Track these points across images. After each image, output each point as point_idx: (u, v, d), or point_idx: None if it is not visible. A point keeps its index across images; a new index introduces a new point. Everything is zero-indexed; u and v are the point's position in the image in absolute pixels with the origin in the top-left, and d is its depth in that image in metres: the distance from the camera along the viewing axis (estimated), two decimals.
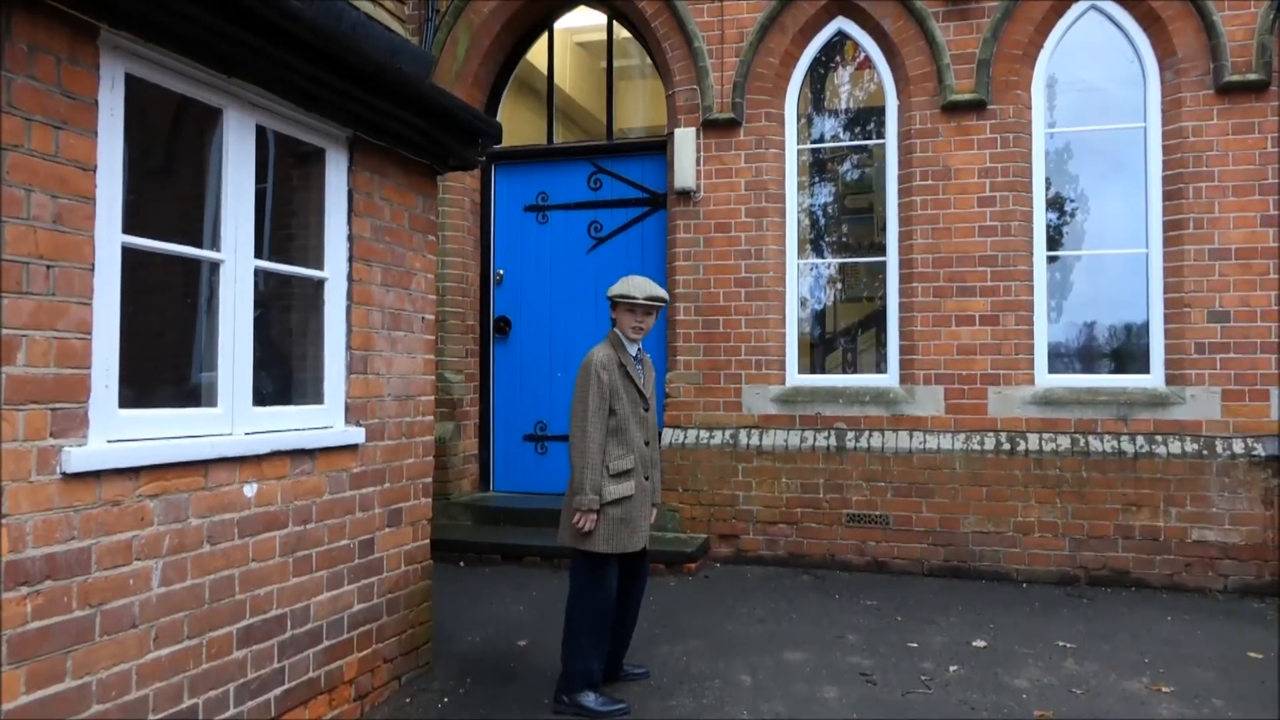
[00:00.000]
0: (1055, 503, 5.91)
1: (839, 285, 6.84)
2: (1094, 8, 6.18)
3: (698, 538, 6.39)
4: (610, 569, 3.92)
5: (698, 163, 6.66)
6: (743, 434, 6.48)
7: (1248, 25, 5.76)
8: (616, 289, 3.97)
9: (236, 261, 3.23)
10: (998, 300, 6.15)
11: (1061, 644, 4.70)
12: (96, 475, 2.62)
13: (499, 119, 7.29)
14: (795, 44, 6.61)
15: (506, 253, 7.48)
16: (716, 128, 6.64)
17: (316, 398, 3.70)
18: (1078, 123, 6.31)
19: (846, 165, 6.86)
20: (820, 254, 6.81)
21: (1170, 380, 5.94)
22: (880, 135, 6.62)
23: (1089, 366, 6.27)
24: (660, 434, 6.60)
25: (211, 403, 3.18)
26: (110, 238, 2.70)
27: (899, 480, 6.16)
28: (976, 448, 6.07)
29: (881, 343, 6.55)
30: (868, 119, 6.75)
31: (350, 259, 3.80)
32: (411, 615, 4.21)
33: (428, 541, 4.36)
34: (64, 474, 2.52)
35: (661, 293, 3.98)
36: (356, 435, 3.78)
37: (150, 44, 2.78)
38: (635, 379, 3.97)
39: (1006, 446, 6.03)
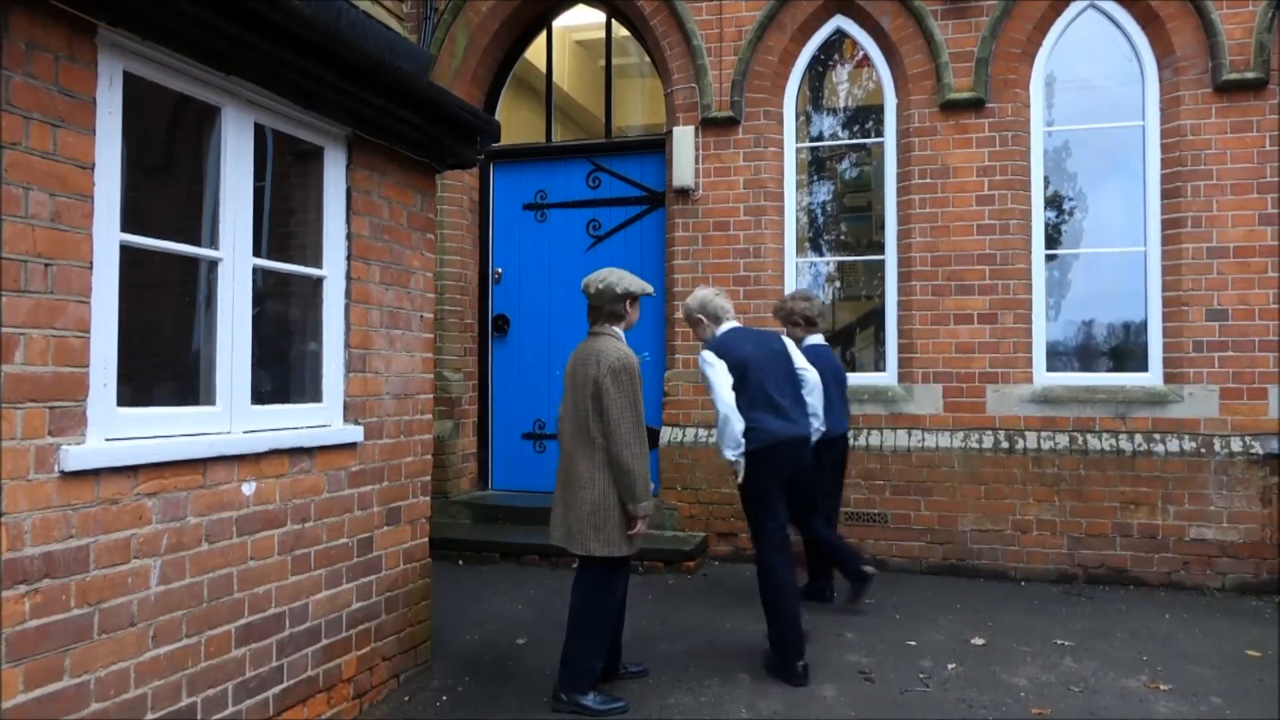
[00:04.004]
0: (1053, 501, 5.92)
1: (837, 284, 6.84)
2: (1093, 6, 6.18)
3: (696, 536, 6.39)
4: (627, 570, 3.96)
5: (696, 161, 6.66)
6: None
7: (1246, 24, 5.76)
8: (634, 285, 3.89)
9: (235, 260, 3.23)
10: (996, 299, 6.15)
11: (1060, 642, 4.70)
12: (95, 473, 2.61)
13: (497, 117, 7.29)
14: (794, 42, 6.61)
15: (505, 251, 7.48)
16: (715, 126, 6.63)
17: (315, 396, 3.70)
18: (1076, 121, 6.31)
19: (845, 164, 6.86)
20: (819, 252, 6.81)
21: (1168, 378, 5.94)
22: (879, 133, 6.62)
23: (1087, 365, 6.27)
24: (659, 433, 6.62)
25: (210, 401, 3.18)
26: (108, 236, 2.70)
27: (897, 478, 6.16)
28: (975, 446, 6.07)
29: (880, 341, 6.56)
30: (866, 117, 6.75)
31: (349, 257, 3.80)
32: (410, 613, 4.21)
33: (426, 540, 4.36)
34: (62, 472, 2.51)
35: None
36: (355, 434, 3.78)
37: (148, 42, 2.78)
38: None
39: (1005, 445, 6.03)
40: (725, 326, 4.40)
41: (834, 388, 5.05)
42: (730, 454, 4.16)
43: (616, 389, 3.71)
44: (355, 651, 3.79)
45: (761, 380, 4.21)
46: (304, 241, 3.75)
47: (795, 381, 4.39)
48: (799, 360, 4.47)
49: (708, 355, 4.22)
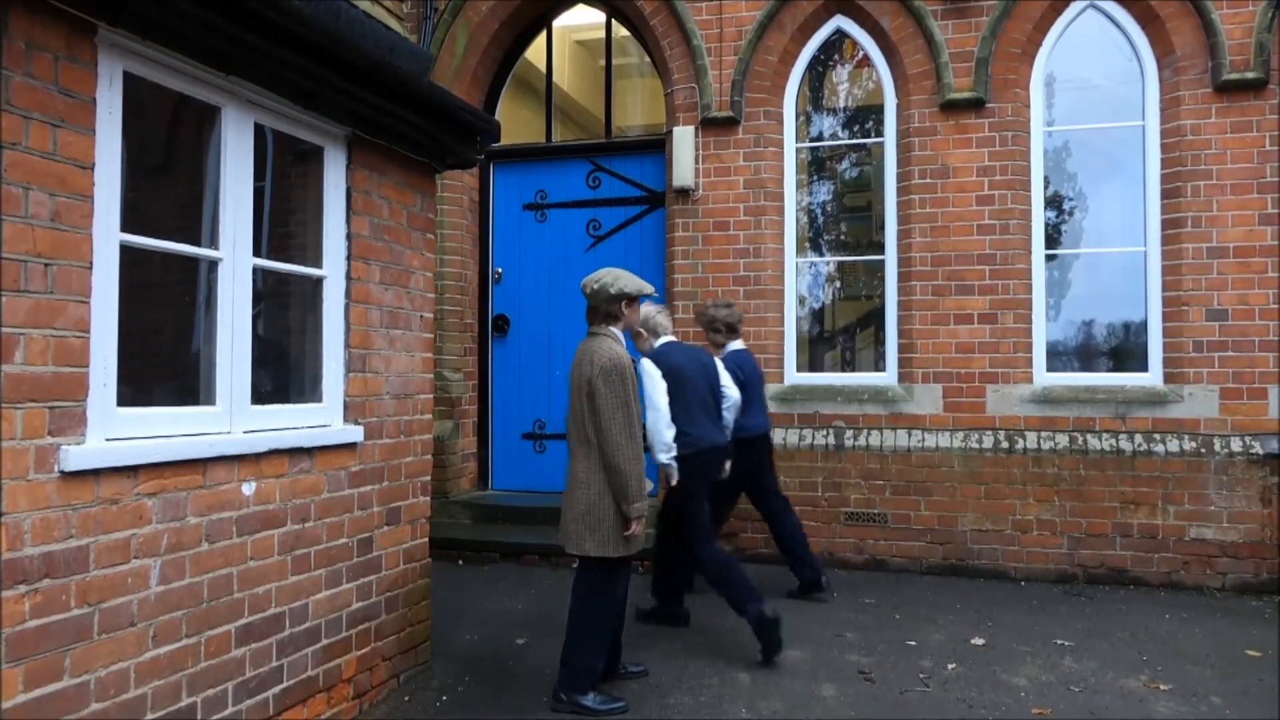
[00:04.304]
0: (1053, 501, 5.92)
1: (837, 283, 6.84)
2: (1093, 6, 6.18)
3: None
4: (626, 570, 3.96)
5: (696, 161, 6.66)
6: None
7: (1246, 23, 5.76)
8: (631, 286, 3.88)
9: (235, 260, 3.23)
10: (996, 299, 6.15)
11: (1060, 642, 4.70)
12: (95, 473, 2.62)
13: (497, 117, 7.29)
14: (794, 42, 6.61)
15: (505, 251, 7.48)
16: (715, 126, 6.63)
17: (315, 396, 3.70)
18: (1076, 121, 6.31)
19: (845, 163, 6.86)
20: (819, 252, 6.81)
21: (1168, 378, 5.94)
22: (879, 133, 6.62)
23: (1087, 365, 6.27)
24: None
25: (210, 401, 3.18)
26: (108, 236, 2.70)
27: (897, 478, 6.16)
28: (975, 446, 6.07)
29: (880, 341, 6.56)
30: (866, 117, 6.75)
31: (349, 257, 3.80)
32: (410, 613, 4.21)
33: (426, 540, 4.36)
34: (62, 472, 2.52)
35: None
36: (355, 434, 3.78)
37: (148, 42, 2.78)
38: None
39: (1005, 445, 6.03)
40: (663, 340, 4.75)
41: (755, 389, 5.38)
42: (664, 457, 4.46)
43: (608, 390, 3.71)
44: (355, 651, 3.80)
45: (694, 391, 4.63)
46: (304, 241, 3.75)
47: (719, 395, 4.84)
48: (724, 378, 4.93)
49: (647, 365, 4.49)
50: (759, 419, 5.37)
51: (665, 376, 4.44)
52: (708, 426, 4.65)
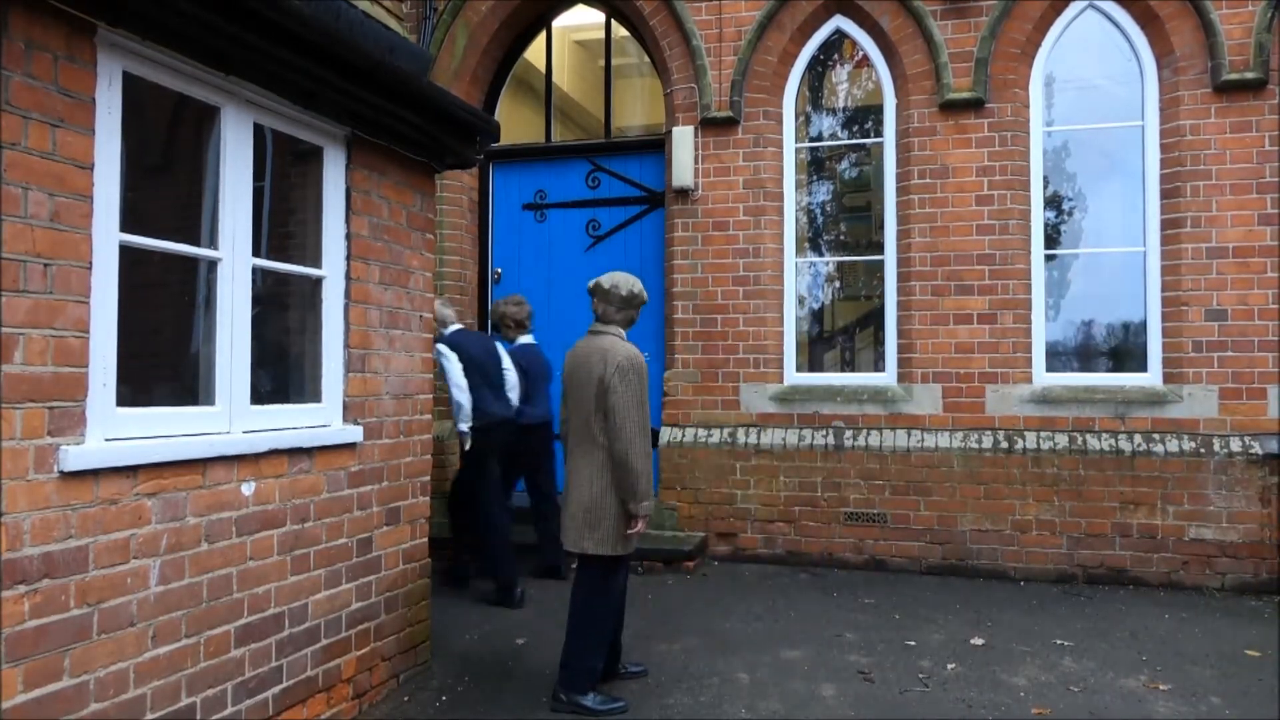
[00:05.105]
0: (1053, 501, 5.92)
1: (837, 283, 6.84)
2: (1092, 6, 6.18)
3: (695, 536, 6.39)
4: (625, 568, 3.97)
5: (696, 161, 6.66)
6: (741, 432, 6.48)
7: (1245, 24, 5.76)
8: (640, 290, 3.94)
9: (234, 260, 3.23)
10: (995, 299, 6.15)
11: (1059, 642, 4.70)
12: (94, 474, 2.61)
13: (497, 117, 7.29)
14: (794, 42, 6.61)
15: (504, 251, 7.48)
16: (714, 126, 6.63)
17: (314, 396, 3.70)
18: (1076, 121, 6.31)
19: (844, 164, 6.86)
20: (818, 252, 6.81)
21: (1168, 378, 5.95)
22: (878, 133, 6.62)
23: (1087, 365, 6.27)
24: (658, 432, 6.62)
25: (209, 401, 3.17)
26: (108, 236, 2.70)
27: (897, 478, 6.17)
28: (974, 446, 6.07)
29: (879, 341, 6.56)
30: (866, 117, 6.75)
31: (348, 257, 3.80)
32: (409, 613, 4.21)
33: (426, 540, 4.36)
34: (61, 472, 2.51)
35: None
36: (354, 434, 3.78)
37: (148, 42, 2.78)
38: None
39: (1004, 445, 6.03)
40: (452, 328, 5.59)
41: (542, 382, 5.95)
42: (464, 426, 5.37)
43: (624, 387, 3.70)
44: (355, 651, 3.79)
45: (484, 373, 5.48)
46: (303, 241, 3.75)
47: (502, 375, 5.61)
48: (506, 361, 5.68)
49: (444, 349, 5.39)
50: (544, 408, 5.91)
51: (462, 359, 5.35)
52: (492, 401, 5.46)
